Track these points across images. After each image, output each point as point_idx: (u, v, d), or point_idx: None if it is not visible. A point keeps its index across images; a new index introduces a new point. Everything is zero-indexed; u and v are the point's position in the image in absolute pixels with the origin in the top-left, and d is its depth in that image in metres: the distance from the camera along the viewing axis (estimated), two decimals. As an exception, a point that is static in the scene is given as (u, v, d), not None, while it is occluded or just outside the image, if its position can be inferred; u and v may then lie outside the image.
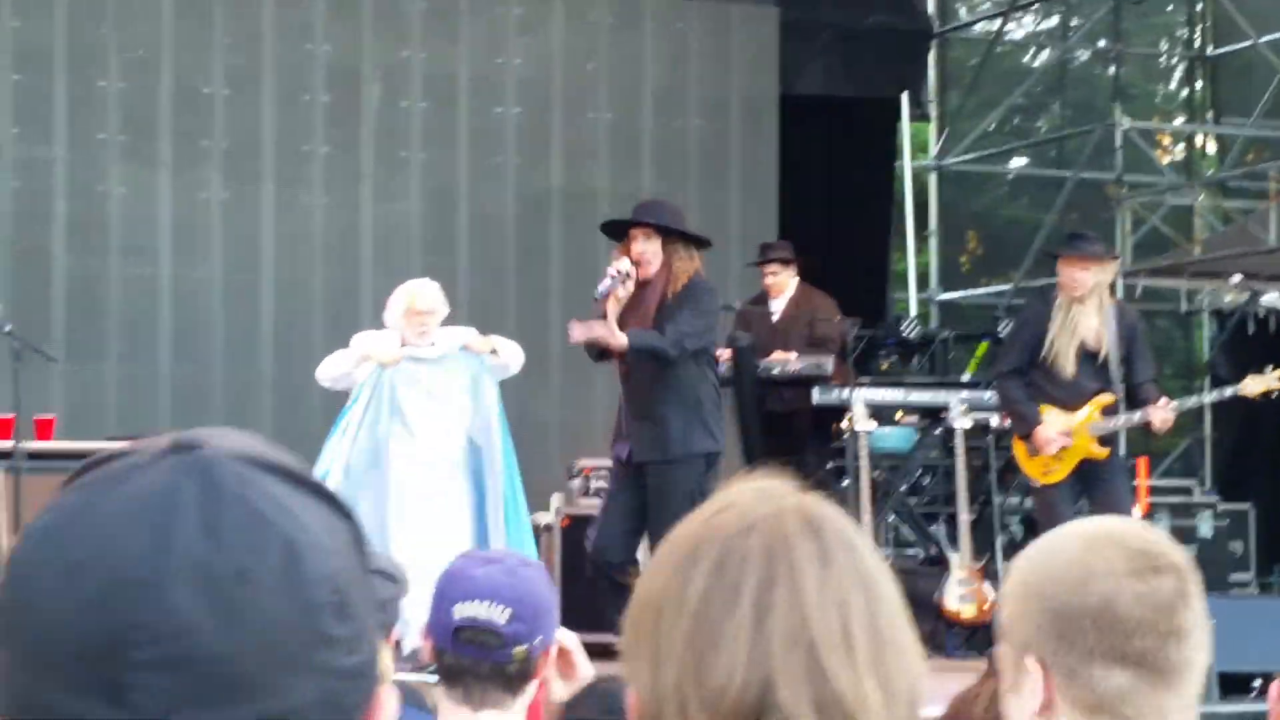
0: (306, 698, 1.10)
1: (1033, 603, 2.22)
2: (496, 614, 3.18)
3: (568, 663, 3.20)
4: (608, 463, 11.19)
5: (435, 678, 3.24)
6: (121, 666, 1.07)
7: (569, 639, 3.27)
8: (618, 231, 8.81)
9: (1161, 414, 9.54)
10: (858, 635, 1.52)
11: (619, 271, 8.54)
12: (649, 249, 8.55)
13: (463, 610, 3.18)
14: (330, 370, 9.30)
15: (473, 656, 3.18)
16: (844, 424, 11.04)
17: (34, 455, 9.66)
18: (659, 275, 8.56)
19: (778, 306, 11.70)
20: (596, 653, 3.29)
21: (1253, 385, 9.76)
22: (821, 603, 1.52)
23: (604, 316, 8.56)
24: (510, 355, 9.34)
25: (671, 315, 8.53)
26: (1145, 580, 2.19)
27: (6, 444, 9.67)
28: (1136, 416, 9.60)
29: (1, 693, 1.12)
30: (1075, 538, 2.26)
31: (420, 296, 9.26)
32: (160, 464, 1.13)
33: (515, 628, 3.18)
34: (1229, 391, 10.01)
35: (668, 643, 1.54)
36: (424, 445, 9.12)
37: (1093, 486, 9.61)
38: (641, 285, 8.58)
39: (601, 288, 8.58)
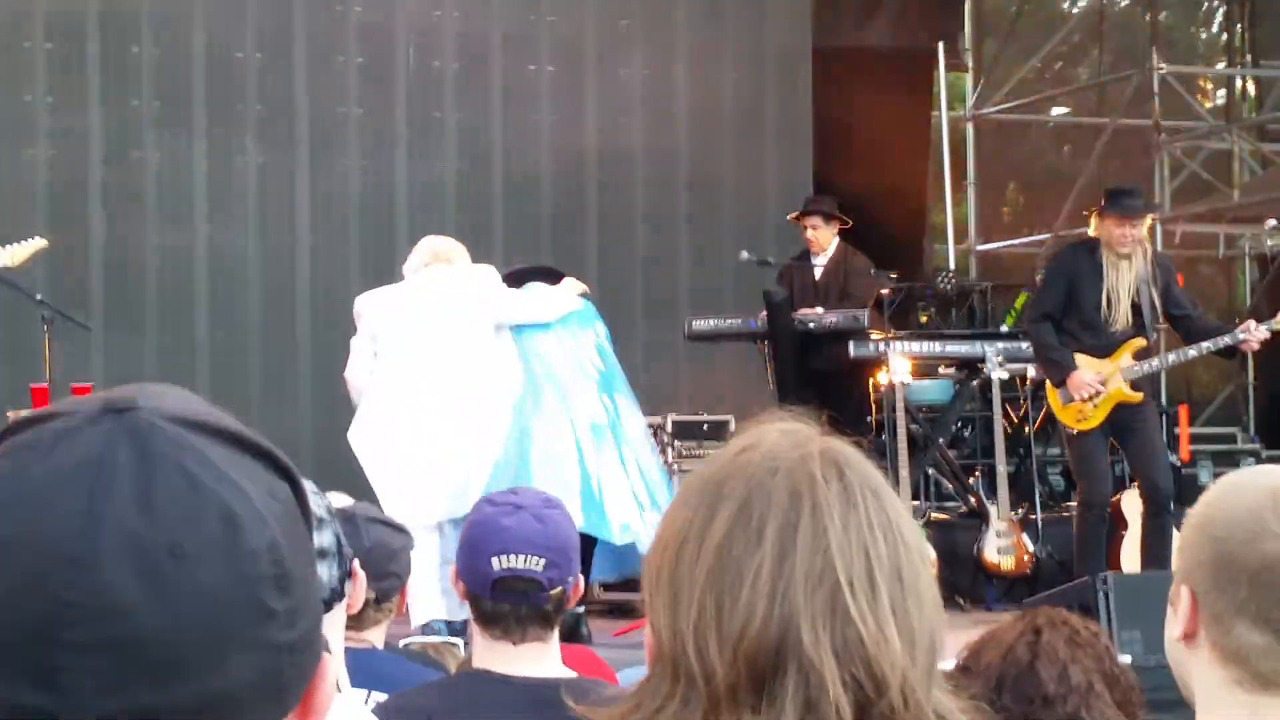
0: (246, 675, 1.07)
1: (1204, 536, 2.17)
2: (534, 564, 3.27)
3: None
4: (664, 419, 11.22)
5: (442, 638, 3.24)
6: (52, 648, 1.03)
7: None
8: None
9: (1257, 334, 9.36)
10: (880, 580, 1.52)
11: None
12: None
13: (500, 563, 3.26)
14: None
15: (512, 603, 3.28)
16: (881, 377, 11.02)
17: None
18: None
19: (820, 263, 11.59)
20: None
21: None
22: (845, 545, 1.51)
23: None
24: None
25: None
26: None
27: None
28: (1221, 342, 9.42)
29: None
30: (1263, 489, 2.17)
31: None
32: (93, 428, 1.09)
33: (551, 574, 3.29)
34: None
35: (688, 582, 1.53)
36: None
37: (1126, 433, 9.53)
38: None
39: None
